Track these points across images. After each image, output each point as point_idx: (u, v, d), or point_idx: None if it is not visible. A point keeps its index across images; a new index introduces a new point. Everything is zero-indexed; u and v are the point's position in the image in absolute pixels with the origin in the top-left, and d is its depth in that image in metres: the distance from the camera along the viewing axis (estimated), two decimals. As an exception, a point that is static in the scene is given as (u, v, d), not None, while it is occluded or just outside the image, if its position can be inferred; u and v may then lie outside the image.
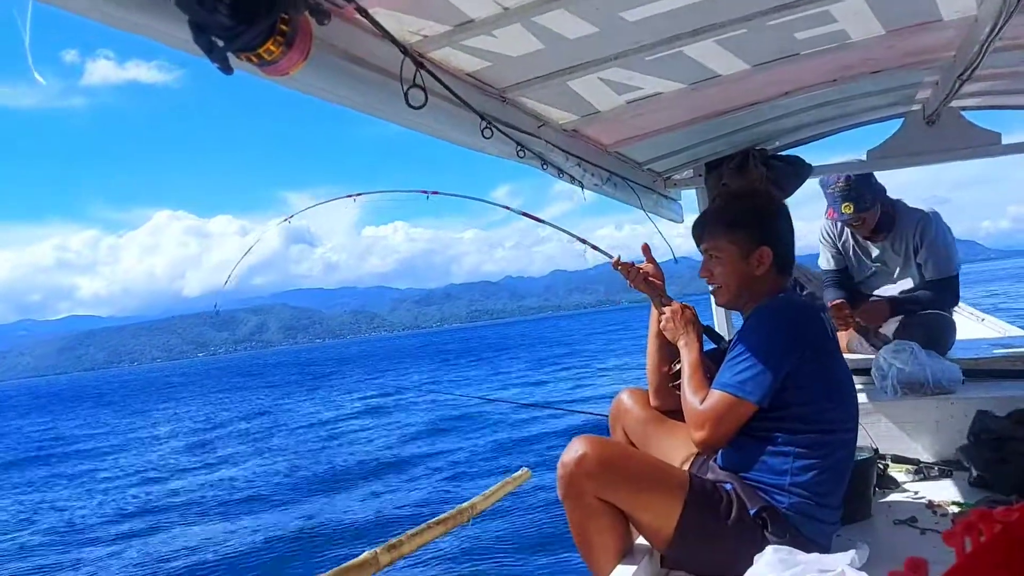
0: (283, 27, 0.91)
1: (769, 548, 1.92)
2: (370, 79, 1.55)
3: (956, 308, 4.39)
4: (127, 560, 10.29)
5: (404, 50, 1.44)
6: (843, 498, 2.19)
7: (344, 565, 2.56)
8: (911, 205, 4.17)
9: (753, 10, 2.03)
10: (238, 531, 10.74)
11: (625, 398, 2.66)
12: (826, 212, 4.20)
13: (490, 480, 10.92)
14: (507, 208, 3.35)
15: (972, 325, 5.62)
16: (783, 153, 3.94)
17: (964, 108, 3.70)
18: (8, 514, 14.95)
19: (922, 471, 3.10)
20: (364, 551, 2.59)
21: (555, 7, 1.73)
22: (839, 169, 4.00)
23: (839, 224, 4.32)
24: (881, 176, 4.08)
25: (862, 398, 3.19)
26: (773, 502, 2.07)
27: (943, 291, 3.99)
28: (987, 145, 3.55)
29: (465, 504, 3.19)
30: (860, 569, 1.82)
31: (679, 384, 2.31)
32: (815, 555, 1.88)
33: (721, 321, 3.90)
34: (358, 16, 1.24)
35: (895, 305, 4.03)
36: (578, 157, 2.78)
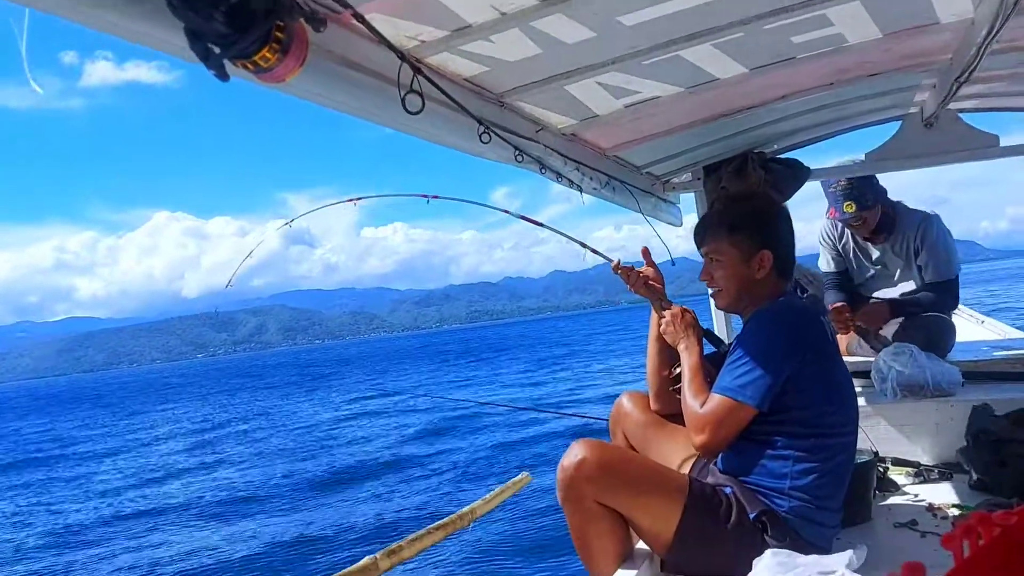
0: (279, 34, 0.91)
1: (768, 552, 1.92)
2: (367, 84, 1.55)
3: (956, 310, 4.40)
4: (122, 564, 10.27)
5: (401, 55, 1.44)
6: (843, 501, 2.19)
7: (344, 571, 2.56)
8: (911, 206, 4.17)
9: (750, 14, 2.03)
10: (236, 535, 10.73)
11: (625, 402, 2.66)
12: (827, 211, 4.20)
13: (490, 484, 10.91)
14: (507, 212, 3.35)
15: (971, 327, 5.62)
16: (781, 156, 3.95)
17: (962, 110, 3.70)
18: (4, 516, 14.92)
19: (922, 474, 3.09)
20: (364, 556, 2.59)
21: (553, 12, 1.74)
22: (838, 172, 4.01)
23: (839, 226, 4.33)
24: (880, 178, 4.08)
25: (862, 401, 3.18)
26: (773, 506, 2.07)
27: (943, 294, 3.99)
28: (985, 147, 3.55)
29: (465, 508, 3.19)
30: (858, 570, 1.82)
31: (679, 388, 2.31)
32: (813, 557, 1.88)
33: (720, 324, 3.90)
34: (355, 22, 1.24)
35: (895, 307, 4.03)
36: (576, 161, 2.78)
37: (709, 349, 2.48)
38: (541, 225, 2.98)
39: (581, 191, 2.94)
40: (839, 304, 4.12)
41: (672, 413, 2.48)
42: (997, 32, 2.01)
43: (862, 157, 3.82)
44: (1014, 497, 2.65)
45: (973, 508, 2.66)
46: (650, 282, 2.54)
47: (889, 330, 4.03)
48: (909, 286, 4.14)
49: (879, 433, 3.23)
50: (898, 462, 3.18)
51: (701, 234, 2.33)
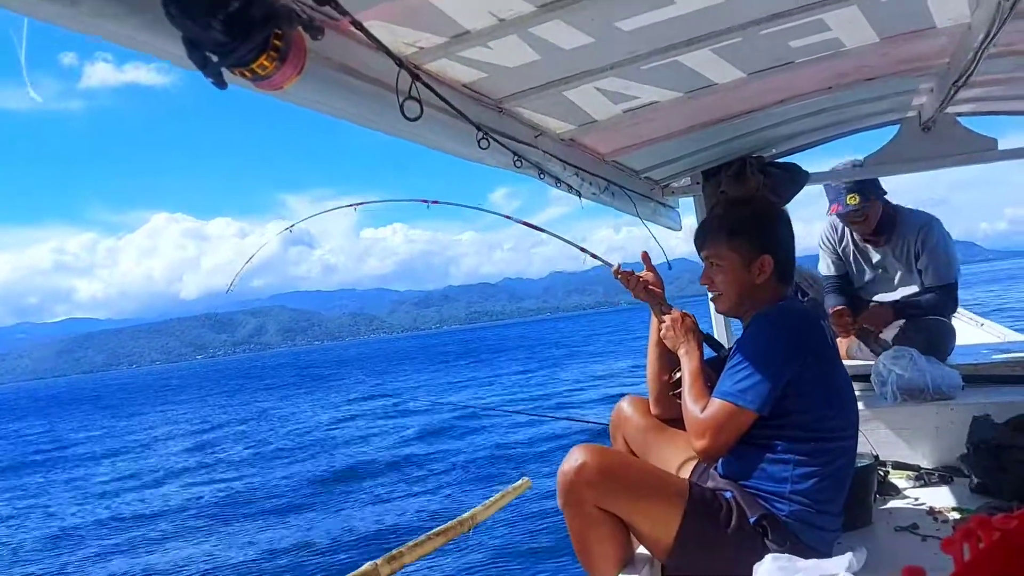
0: (277, 42, 0.91)
1: (769, 556, 1.92)
2: (365, 91, 1.55)
3: (956, 314, 4.40)
4: (115, 569, 10.26)
5: (399, 62, 1.44)
6: (844, 505, 2.18)
7: (345, 576, 2.55)
8: (911, 207, 4.18)
9: (747, 19, 2.04)
10: (234, 540, 10.72)
11: (625, 406, 2.66)
12: (829, 209, 4.19)
13: (490, 488, 10.90)
14: (507, 217, 3.36)
15: (971, 330, 5.61)
16: (780, 160, 3.96)
17: (960, 114, 3.71)
18: (1, 518, 14.92)
19: (922, 477, 3.09)
20: (364, 562, 2.58)
21: (550, 18, 1.74)
22: (836, 176, 4.01)
23: (839, 230, 4.33)
24: (879, 180, 4.08)
25: (862, 405, 3.18)
26: (773, 510, 2.07)
27: (944, 297, 3.99)
28: (983, 151, 3.56)
29: (466, 514, 3.18)
30: (858, 574, 1.82)
31: (679, 392, 2.31)
32: (813, 561, 1.88)
33: (720, 328, 3.90)
34: (353, 29, 1.25)
35: (899, 309, 4.03)
36: (575, 166, 2.79)
37: (709, 354, 2.48)
38: (541, 230, 2.98)
39: (580, 196, 2.94)
40: (840, 307, 4.12)
41: (672, 418, 2.47)
42: (994, 36, 2.01)
43: (859, 157, 3.83)
44: (1014, 501, 2.65)
45: (973, 512, 2.66)
46: (650, 287, 2.54)
47: (889, 333, 4.03)
48: (909, 290, 4.14)
49: (879, 437, 3.23)
50: (898, 466, 3.18)
51: (701, 239, 2.33)
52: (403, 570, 2.68)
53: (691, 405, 2.19)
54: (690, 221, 4.36)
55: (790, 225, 2.34)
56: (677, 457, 2.42)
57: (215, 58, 0.89)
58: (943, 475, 3.09)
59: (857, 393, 2.42)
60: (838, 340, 3.96)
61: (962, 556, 1.02)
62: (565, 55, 2.00)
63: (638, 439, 2.57)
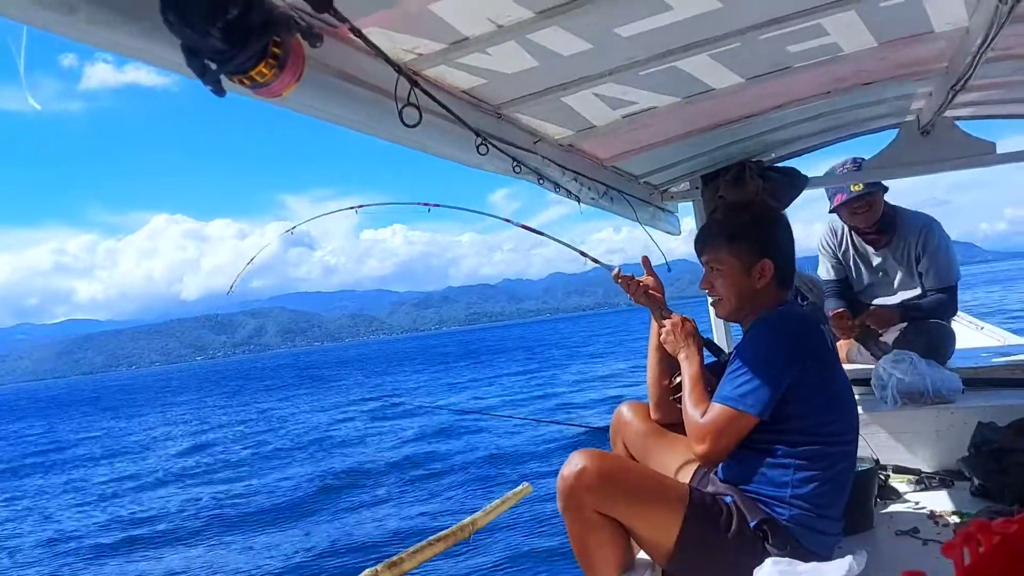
0: (275, 50, 0.91)
1: (769, 561, 1.92)
2: (364, 98, 1.56)
3: (956, 317, 4.40)
4: (111, 572, 10.24)
5: (398, 69, 1.45)
6: (845, 509, 2.18)
7: (345, 583, 2.54)
8: (910, 206, 4.18)
9: (745, 24, 2.04)
10: (232, 545, 10.69)
11: (625, 411, 2.66)
12: (832, 201, 4.17)
13: (490, 493, 10.89)
14: (507, 220, 3.36)
15: (971, 334, 5.61)
16: (779, 165, 3.96)
17: (958, 118, 3.72)
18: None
19: (923, 481, 3.09)
20: (364, 568, 2.58)
21: (549, 24, 1.75)
22: (835, 180, 4.02)
23: (839, 233, 4.33)
24: (879, 184, 4.09)
25: (862, 409, 3.18)
26: (773, 514, 2.07)
27: (945, 300, 3.99)
28: (982, 155, 3.57)
29: (466, 520, 3.17)
30: (858, 576, 1.82)
31: (679, 397, 2.31)
32: (813, 565, 1.87)
33: (720, 332, 3.90)
34: (352, 36, 1.25)
35: (902, 312, 4.03)
36: (574, 172, 2.79)
37: (709, 358, 2.48)
38: (541, 234, 2.99)
39: (579, 201, 2.95)
40: (840, 310, 4.12)
41: (672, 422, 2.47)
42: (992, 40, 2.02)
43: (860, 157, 3.84)
44: (1015, 504, 2.65)
45: (974, 516, 2.65)
46: (650, 291, 2.54)
47: (889, 337, 4.03)
48: (908, 294, 4.14)
49: (880, 441, 3.23)
50: (899, 470, 3.18)
51: (701, 243, 2.33)
52: (403, 576, 2.67)
53: (691, 410, 2.19)
54: (689, 225, 4.37)
55: (790, 229, 2.34)
56: (677, 461, 2.42)
57: (213, 65, 0.90)
58: (944, 479, 3.09)
59: (857, 397, 2.42)
60: (838, 344, 3.97)
61: (962, 560, 1.02)
62: (563, 61, 2.00)
63: (638, 444, 2.57)
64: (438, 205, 3.23)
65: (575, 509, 2.10)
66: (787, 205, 3.78)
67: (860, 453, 2.39)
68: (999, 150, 3.59)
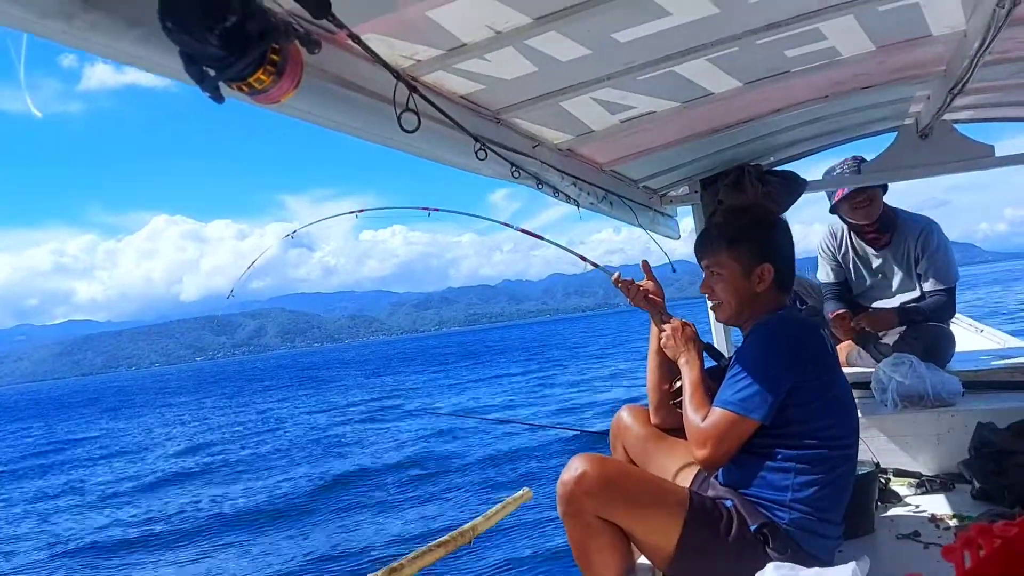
0: (274, 56, 0.92)
1: (770, 565, 1.92)
2: (363, 104, 1.56)
3: (955, 320, 4.39)
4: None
5: (397, 75, 1.45)
6: (845, 513, 2.18)
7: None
8: (909, 207, 4.19)
9: (743, 29, 2.05)
10: (229, 551, 10.65)
11: (625, 415, 2.65)
12: (833, 197, 4.17)
13: (490, 498, 10.87)
14: (507, 225, 3.35)
15: (971, 337, 5.62)
16: (778, 169, 3.96)
17: (956, 121, 3.73)
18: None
19: (924, 484, 3.08)
20: (365, 574, 2.58)
21: (547, 30, 1.75)
22: (834, 184, 4.02)
23: (839, 236, 4.33)
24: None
25: (862, 412, 3.18)
26: (774, 518, 2.06)
27: (943, 301, 4.00)
28: (980, 157, 3.58)
29: (466, 525, 3.17)
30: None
31: (680, 402, 2.30)
32: (815, 570, 1.87)
33: (720, 337, 3.90)
34: (350, 42, 1.26)
35: (902, 314, 4.03)
36: (573, 176, 2.79)
37: (709, 363, 2.48)
38: (541, 238, 2.99)
39: (578, 206, 2.95)
40: (841, 311, 4.12)
41: (672, 427, 2.47)
42: (989, 44, 2.02)
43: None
44: (1016, 507, 2.65)
45: (975, 519, 2.65)
46: (650, 295, 2.54)
47: (889, 340, 4.04)
48: (907, 296, 4.14)
49: (880, 444, 3.23)
50: (900, 473, 3.17)
51: (701, 247, 2.33)
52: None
53: (692, 414, 2.19)
54: (689, 229, 4.38)
55: (790, 233, 2.34)
56: (677, 466, 2.42)
57: (212, 72, 0.90)
58: (944, 482, 3.08)
59: (857, 400, 2.42)
60: (838, 347, 3.97)
61: (963, 564, 1.02)
62: (562, 66, 2.01)
63: (638, 448, 2.57)
64: (438, 209, 3.23)
65: (575, 514, 2.10)
66: (786, 209, 3.79)
67: (860, 456, 2.39)
68: (998, 152, 3.60)
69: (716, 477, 2.25)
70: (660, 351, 2.47)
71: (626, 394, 22.18)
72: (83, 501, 16.46)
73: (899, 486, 3.09)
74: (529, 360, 47.82)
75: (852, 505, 2.23)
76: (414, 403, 28.99)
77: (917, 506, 2.90)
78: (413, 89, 1.50)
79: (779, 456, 2.08)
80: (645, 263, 2.62)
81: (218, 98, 0.93)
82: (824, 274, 4.43)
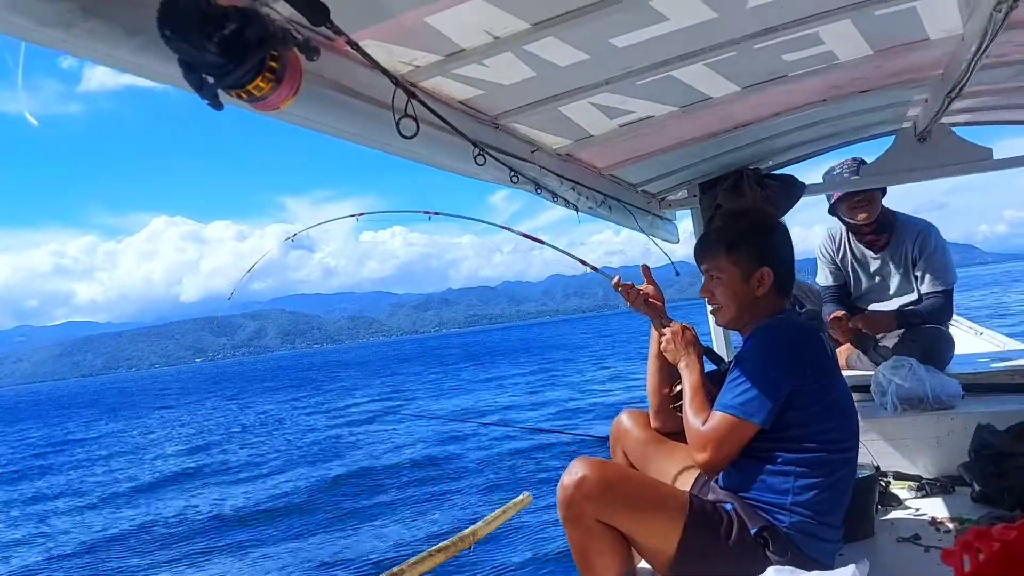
0: (272, 64, 0.92)
1: (771, 569, 1.92)
2: (362, 110, 1.57)
3: (954, 322, 4.39)
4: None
5: (395, 80, 1.46)
6: (845, 516, 2.18)
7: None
8: (909, 209, 4.21)
9: (741, 34, 2.05)
10: (227, 555, 10.62)
11: (625, 420, 2.66)
12: (831, 195, 4.18)
13: (490, 502, 10.86)
14: (507, 228, 3.36)
15: (970, 339, 5.61)
16: (777, 172, 3.97)
17: (955, 124, 3.74)
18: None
19: (924, 487, 3.08)
20: (365, 580, 2.57)
21: (545, 36, 1.76)
22: (833, 187, 4.03)
23: (838, 239, 4.34)
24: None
25: (862, 415, 3.18)
26: (774, 521, 2.06)
27: (941, 303, 4.00)
28: (978, 160, 3.58)
29: (466, 530, 3.17)
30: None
31: (680, 406, 2.30)
32: (815, 573, 1.87)
33: (720, 341, 3.91)
34: (349, 48, 1.26)
35: (899, 317, 4.03)
36: (572, 181, 2.80)
37: (709, 367, 2.48)
38: (541, 242, 2.99)
39: (577, 210, 2.95)
40: (839, 312, 4.13)
41: (672, 431, 2.47)
42: (986, 47, 2.03)
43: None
44: (1016, 509, 2.65)
45: (975, 522, 2.65)
46: (650, 300, 2.54)
47: (888, 343, 4.04)
48: (905, 299, 4.15)
49: (880, 447, 3.23)
50: (900, 476, 3.17)
51: (700, 252, 2.34)
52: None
53: (692, 418, 2.19)
54: (688, 233, 4.39)
55: (788, 237, 2.34)
56: (677, 470, 2.42)
57: (211, 80, 0.90)
58: (944, 485, 3.08)
59: (857, 404, 2.42)
60: (838, 351, 3.97)
61: (962, 567, 1.02)
62: (560, 71, 2.01)
63: (638, 452, 2.57)
64: (438, 213, 3.24)
65: (575, 518, 2.10)
66: (785, 212, 3.79)
67: (860, 460, 2.39)
68: (996, 155, 3.61)
69: (716, 481, 2.25)
70: (660, 355, 2.47)
71: (626, 397, 22.17)
72: (82, 503, 16.45)
73: (899, 489, 3.09)
74: (529, 362, 47.76)
75: (852, 508, 2.23)
76: (414, 406, 28.94)
77: (917, 509, 2.90)
78: (411, 95, 1.51)
79: (779, 460, 2.09)
80: (645, 267, 2.62)
81: (217, 105, 0.93)
82: (823, 277, 4.44)
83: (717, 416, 2.11)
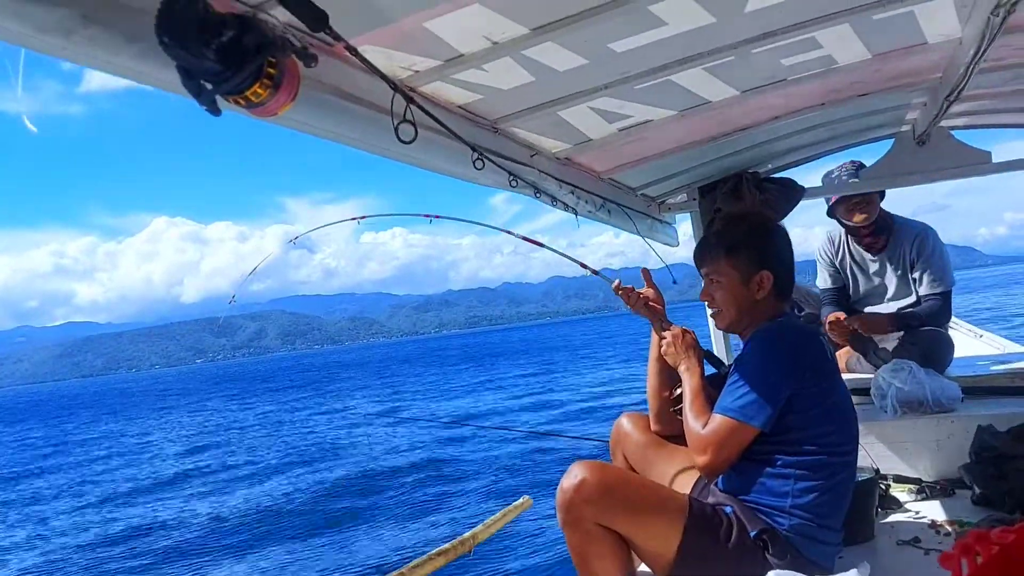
0: (270, 70, 0.93)
1: (771, 573, 1.91)
2: (360, 115, 1.57)
3: (954, 325, 4.39)
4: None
5: (394, 86, 1.46)
6: (846, 519, 2.18)
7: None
8: (908, 213, 4.20)
9: (739, 38, 2.06)
10: (225, 559, 10.61)
11: (625, 423, 2.66)
12: (830, 199, 4.18)
13: (490, 505, 10.84)
14: (509, 232, 3.35)
15: (970, 342, 5.61)
16: (776, 176, 3.97)
17: (953, 128, 3.74)
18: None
19: (924, 490, 3.08)
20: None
21: (544, 41, 1.76)
22: (832, 191, 4.03)
23: (837, 242, 4.34)
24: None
25: (862, 418, 3.18)
26: (774, 524, 2.06)
27: (939, 305, 4.00)
28: (977, 164, 3.59)
29: (467, 534, 3.17)
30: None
31: (680, 409, 2.31)
32: (816, 576, 1.87)
33: (719, 344, 3.91)
34: (348, 53, 1.26)
35: (896, 319, 4.03)
36: (571, 185, 2.80)
37: (709, 370, 2.48)
38: (542, 245, 2.99)
39: (576, 214, 2.95)
40: (836, 313, 4.13)
41: (672, 434, 2.47)
42: (984, 51, 2.04)
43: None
44: (1016, 512, 2.65)
45: (975, 524, 2.65)
46: (650, 303, 2.54)
47: (888, 346, 4.04)
48: (903, 302, 4.15)
49: (880, 450, 3.23)
50: (900, 479, 3.17)
51: (700, 256, 2.34)
52: (404, 591, 2.67)
53: (692, 421, 2.19)
54: (687, 236, 4.36)
55: (788, 240, 2.34)
56: (677, 473, 2.42)
57: (209, 86, 0.91)
58: (945, 488, 3.08)
59: (857, 407, 2.42)
60: (837, 354, 3.97)
61: (960, 571, 1.02)
62: (559, 76, 2.02)
63: (638, 455, 2.57)
64: (439, 216, 3.25)
65: (575, 521, 2.09)
66: (784, 215, 3.79)
67: (860, 463, 2.39)
68: (995, 158, 3.61)
69: (716, 484, 2.25)
70: (660, 358, 2.48)
71: (626, 401, 22.16)
72: (81, 503, 16.46)
73: (899, 492, 3.09)
74: (529, 364, 47.73)
75: (852, 511, 2.23)
76: (413, 408, 28.92)
77: (917, 512, 2.90)
78: (410, 100, 1.51)
79: (779, 463, 2.09)
80: (645, 270, 2.63)
81: (215, 111, 0.93)
82: (822, 279, 4.44)
83: (717, 419, 2.11)
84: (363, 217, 3.31)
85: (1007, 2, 1.72)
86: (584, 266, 2.88)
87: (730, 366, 2.26)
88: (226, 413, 37.44)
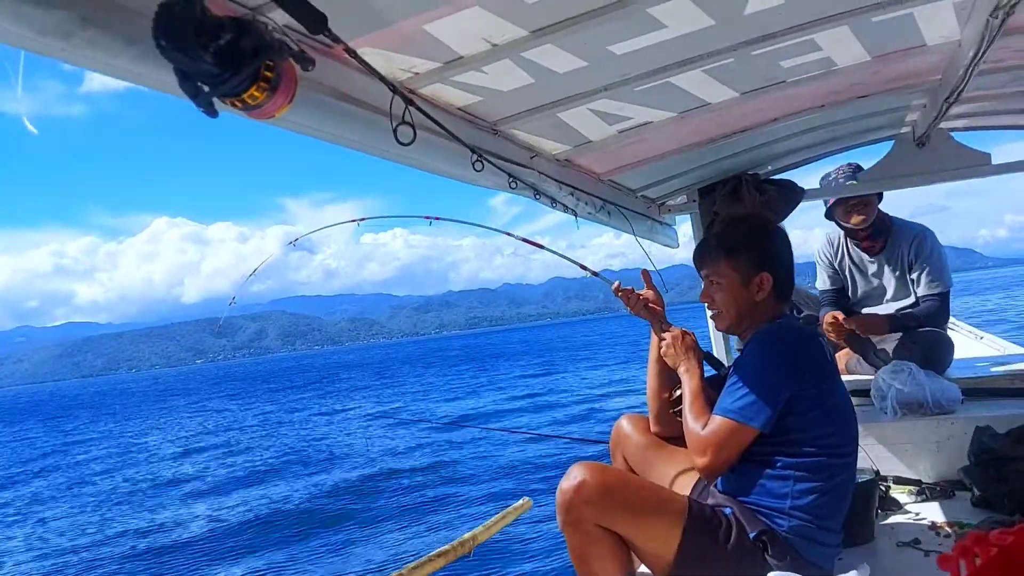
0: (268, 73, 0.93)
1: (771, 575, 1.91)
2: (359, 116, 1.57)
3: (954, 326, 4.38)
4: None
5: (393, 88, 1.46)
6: (845, 521, 2.18)
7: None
8: (908, 214, 4.20)
9: (738, 40, 2.06)
10: (224, 561, 10.60)
11: (625, 424, 2.66)
12: (828, 201, 4.18)
13: (490, 507, 10.83)
14: (508, 234, 3.35)
15: (970, 344, 5.61)
16: (775, 177, 3.97)
17: (953, 129, 3.74)
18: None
19: (924, 492, 3.08)
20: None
21: (543, 43, 1.77)
22: (831, 192, 4.03)
23: (836, 243, 4.34)
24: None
25: (861, 420, 3.18)
26: (773, 525, 2.06)
27: (937, 305, 4.00)
28: (977, 165, 3.59)
29: (466, 535, 3.17)
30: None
31: (679, 410, 2.31)
32: (816, 577, 1.87)
33: (719, 345, 3.90)
34: (347, 55, 1.26)
35: (893, 321, 4.03)
36: (571, 186, 2.80)
37: (709, 372, 2.48)
38: (542, 247, 2.99)
39: (576, 216, 2.96)
40: (834, 313, 4.13)
41: (672, 435, 2.48)
42: (983, 53, 2.04)
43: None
44: (1016, 514, 2.65)
45: (975, 526, 2.64)
46: (650, 304, 2.55)
47: (887, 347, 4.04)
48: (902, 303, 4.15)
49: (879, 452, 3.23)
50: (899, 480, 3.17)
51: (700, 257, 2.34)
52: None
53: (692, 423, 2.19)
54: (687, 237, 4.36)
55: (788, 242, 2.34)
56: (677, 474, 2.42)
57: (206, 88, 0.91)
58: (944, 489, 3.08)
59: (857, 408, 2.42)
60: (837, 355, 3.97)
61: (958, 573, 1.02)
62: (558, 78, 2.02)
63: (638, 457, 2.57)
64: (439, 218, 3.25)
65: (575, 523, 2.09)
66: (784, 217, 3.79)
67: (860, 464, 2.39)
68: (994, 160, 3.61)
69: (715, 485, 2.26)
70: (660, 359, 2.48)
71: (626, 402, 22.15)
72: (80, 504, 16.46)
73: (899, 494, 3.09)
74: (529, 365, 47.73)
75: (852, 513, 2.22)
76: (413, 410, 28.92)
77: (917, 514, 2.90)
78: (409, 102, 1.51)
79: (778, 464, 2.09)
80: (645, 272, 2.63)
81: (212, 113, 0.94)
82: (822, 281, 4.45)
83: (717, 420, 2.11)
84: (363, 219, 3.32)
85: (1006, 4, 1.72)
86: (584, 268, 2.88)
87: (729, 367, 2.27)
88: (226, 414, 37.45)
